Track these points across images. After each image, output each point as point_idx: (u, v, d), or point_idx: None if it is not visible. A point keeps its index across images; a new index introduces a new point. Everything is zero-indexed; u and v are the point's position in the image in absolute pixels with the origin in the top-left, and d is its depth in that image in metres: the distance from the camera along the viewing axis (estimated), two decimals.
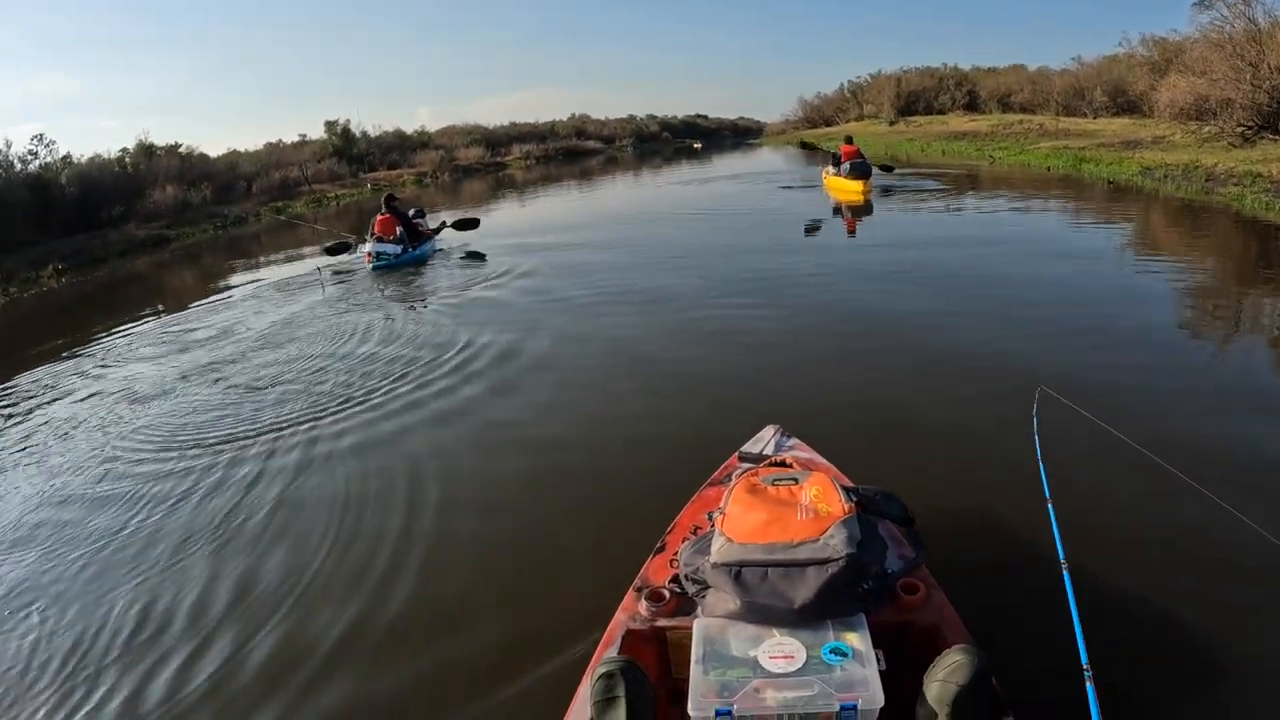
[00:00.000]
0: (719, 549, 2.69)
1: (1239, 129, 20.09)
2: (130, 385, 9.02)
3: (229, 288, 15.75)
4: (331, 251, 16.20)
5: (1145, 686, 3.05)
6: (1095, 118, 34.98)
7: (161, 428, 7.41)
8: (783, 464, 3.33)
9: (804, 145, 23.84)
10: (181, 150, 37.04)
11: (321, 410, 7.31)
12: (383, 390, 7.69)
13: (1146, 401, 5.76)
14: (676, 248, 14.56)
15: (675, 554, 3.04)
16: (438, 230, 16.53)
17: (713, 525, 2.88)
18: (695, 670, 2.34)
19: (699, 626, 2.53)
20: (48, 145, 31.54)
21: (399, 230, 15.03)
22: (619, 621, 2.82)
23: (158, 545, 5.16)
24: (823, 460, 3.90)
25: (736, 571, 2.57)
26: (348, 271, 15.04)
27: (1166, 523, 4.12)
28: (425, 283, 13.43)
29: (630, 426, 6.33)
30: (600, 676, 2.28)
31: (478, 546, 4.76)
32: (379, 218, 15.20)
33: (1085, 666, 2.24)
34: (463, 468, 5.89)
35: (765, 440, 4.20)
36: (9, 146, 31.51)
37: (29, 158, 30.35)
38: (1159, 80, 27.60)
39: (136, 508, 5.77)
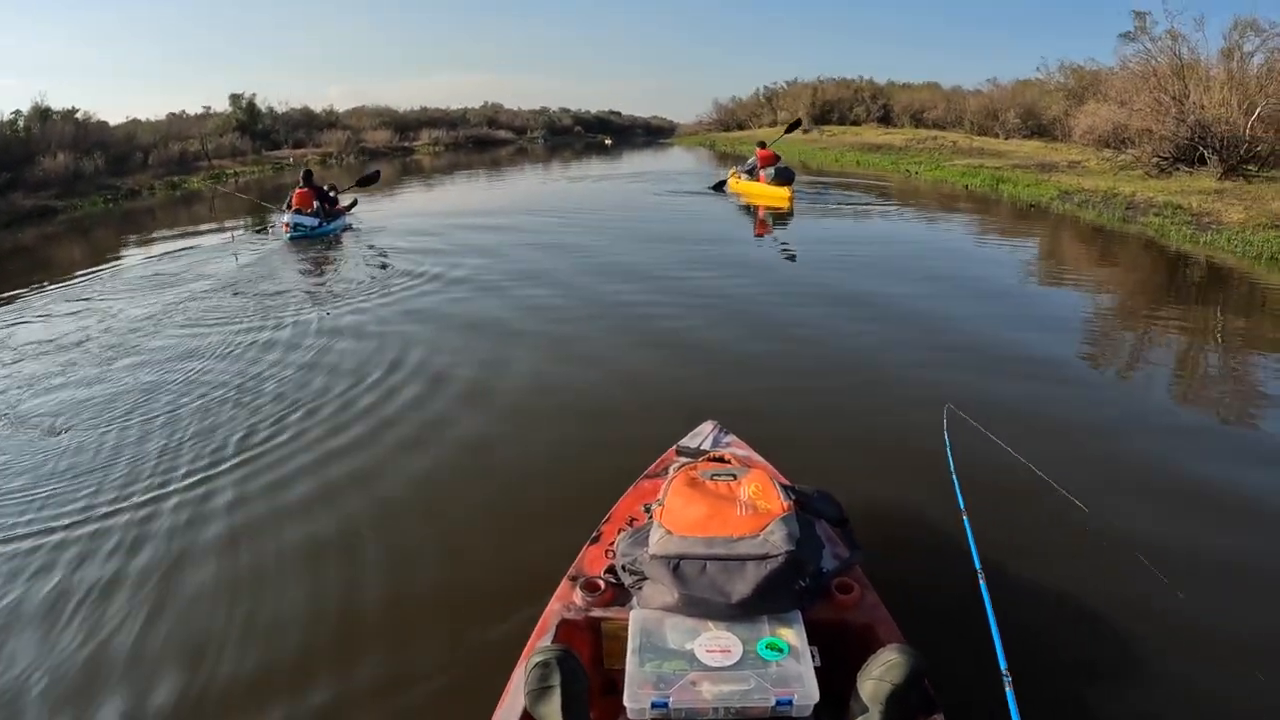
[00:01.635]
0: (658, 541, 2.66)
1: (1155, 159, 20.38)
2: None
3: (117, 263, 14.67)
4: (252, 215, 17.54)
5: (1062, 687, 3.20)
6: (1007, 139, 35.61)
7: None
8: (721, 459, 3.37)
9: (717, 189, 21.69)
10: (78, 115, 34.40)
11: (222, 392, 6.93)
12: (290, 375, 7.35)
13: (1046, 424, 5.97)
14: (596, 245, 14.23)
15: (611, 544, 2.99)
16: (351, 206, 17.17)
17: (651, 517, 2.84)
18: (631, 662, 2.33)
19: (635, 618, 2.52)
20: None
21: (316, 204, 15.74)
22: (553, 611, 2.79)
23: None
24: (759, 457, 3.91)
25: (675, 564, 2.56)
26: (266, 243, 15.53)
27: (1066, 539, 4.36)
28: (338, 256, 13.73)
29: (565, 419, 6.29)
30: (535, 665, 2.25)
31: (410, 538, 4.62)
32: (297, 191, 15.88)
33: (1005, 671, 2.34)
34: (390, 458, 5.64)
35: (703, 435, 4.21)
36: None
37: None
38: (1074, 106, 28.22)
39: None
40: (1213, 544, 4.31)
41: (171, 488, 5.26)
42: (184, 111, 46.57)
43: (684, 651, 2.36)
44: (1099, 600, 3.74)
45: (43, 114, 33.13)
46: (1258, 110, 18.36)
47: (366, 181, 18.12)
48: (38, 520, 4.95)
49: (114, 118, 39.03)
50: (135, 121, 40.96)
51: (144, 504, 5.08)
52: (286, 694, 3.41)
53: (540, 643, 2.56)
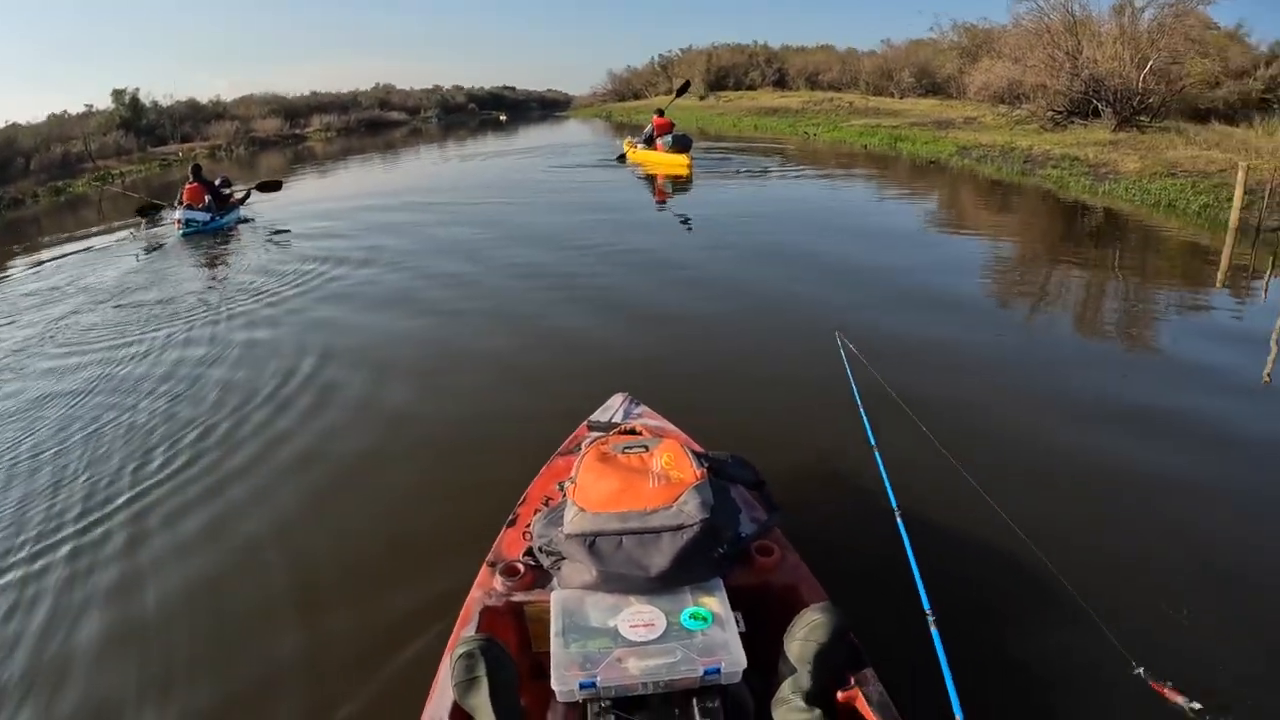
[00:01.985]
0: (572, 519, 2.62)
1: (1050, 114, 20.71)
2: None
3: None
4: (141, 213, 17.13)
5: (984, 624, 3.23)
6: (903, 98, 35.75)
7: None
8: (632, 431, 3.33)
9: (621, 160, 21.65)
10: None
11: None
12: (183, 390, 6.84)
13: (952, 361, 6.27)
14: (495, 221, 13.84)
15: (528, 526, 2.93)
16: (244, 198, 16.86)
17: (564, 496, 2.81)
18: (556, 644, 2.28)
19: (556, 599, 2.47)
20: None
21: (207, 198, 15.40)
22: (475, 599, 2.73)
23: None
24: (672, 426, 3.86)
25: (591, 541, 2.53)
26: (158, 242, 14.86)
27: (975, 469, 4.15)
28: (235, 250, 13.29)
29: (473, 402, 6.13)
30: (459, 657, 2.20)
31: (323, 537, 4.48)
32: (187, 186, 15.49)
33: (928, 611, 2.41)
34: (302, 451, 5.47)
35: (614, 408, 4.16)
36: None
37: None
38: (969, 64, 28.55)
39: None
40: (1121, 462, 4.55)
41: (61, 534, 4.74)
42: (65, 111, 43.47)
43: (607, 629, 2.32)
44: (1011, 532, 3.68)
45: None
46: (1149, 64, 18.65)
47: (267, 188, 17.90)
48: None
49: None
50: (14, 126, 38.34)
51: (32, 557, 4.58)
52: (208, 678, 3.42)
53: (464, 633, 2.53)
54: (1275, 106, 20.21)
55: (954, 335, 6.90)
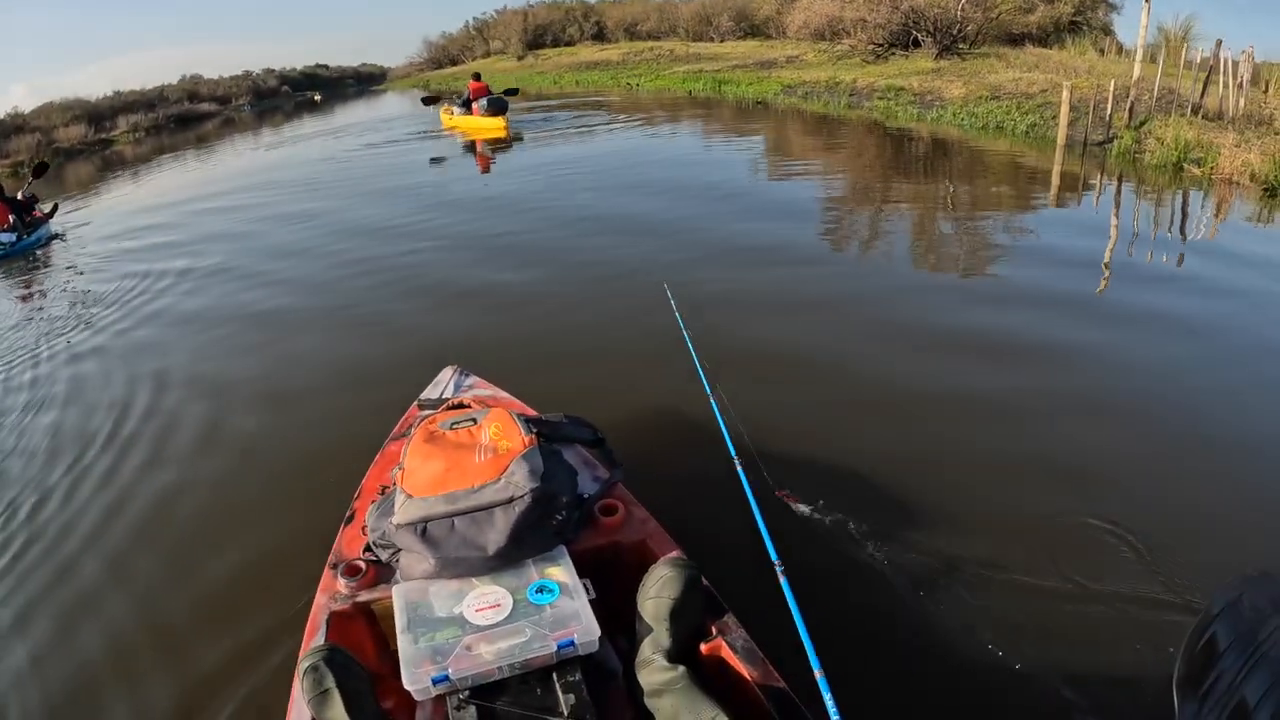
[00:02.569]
0: (401, 507, 2.43)
1: (871, 47, 20.87)
2: None
3: None
4: None
5: (830, 572, 3.12)
6: (723, 41, 35.84)
7: None
8: (461, 405, 3.16)
9: (428, 101, 21.83)
10: None
11: None
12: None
13: (787, 303, 6.15)
14: (311, 213, 12.91)
15: (364, 521, 2.71)
16: (51, 213, 15.48)
17: (394, 483, 2.58)
18: (402, 640, 2.14)
19: (398, 593, 2.33)
20: None
21: (12, 219, 14.26)
22: (320, 604, 2.51)
23: None
24: (505, 394, 3.73)
25: (422, 528, 2.38)
26: None
27: (814, 407, 4.40)
28: (48, 272, 12.26)
29: (306, 404, 5.64)
30: (306, 671, 2.02)
31: (158, 560, 4.14)
32: None
33: (776, 562, 2.31)
34: (114, 467, 5.13)
35: (444, 383, 3.99)
36: None
37: None
38: (786, 4, 28.82)
39: None
40: (959, 386, 4.56)
41: None
42: None
43: (454, 617, 2.22)
44: (855, 460, 3.78)
45: None
46: None
47: (39, 171, 16.73)
48: None
49: None
50: None
51: None
52: None
53: (313, 641, 2.39)
54: (1084, 29, 21.09)
55: (787, 277, 6.83)
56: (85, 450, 5.42)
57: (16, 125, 47.12)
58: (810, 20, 23.18)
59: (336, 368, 6.15)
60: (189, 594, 3.86)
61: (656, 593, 2.14)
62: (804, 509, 3.41)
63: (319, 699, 2.03)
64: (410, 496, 2.48)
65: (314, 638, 2.45)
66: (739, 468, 2.78)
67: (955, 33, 19.10)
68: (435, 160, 16.23)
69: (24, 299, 10.74)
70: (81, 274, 11.31)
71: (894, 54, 20.12)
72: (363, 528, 2.76)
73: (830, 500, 3.47)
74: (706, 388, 3.41)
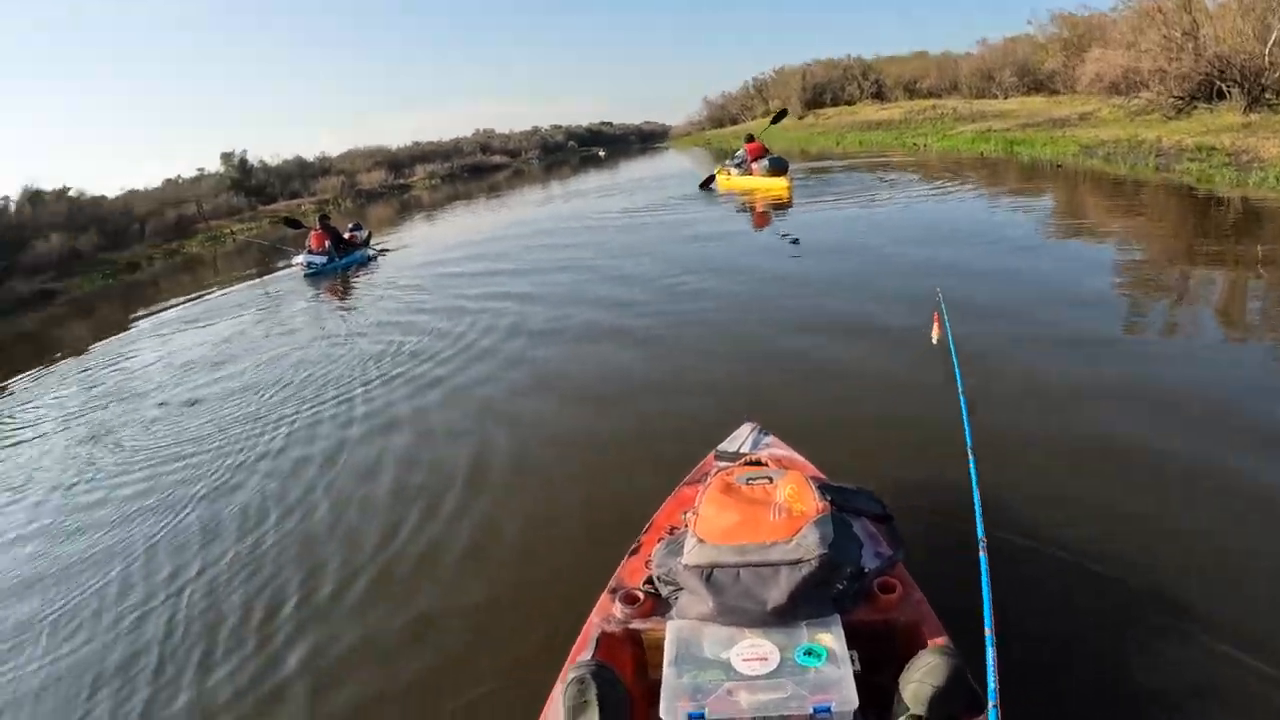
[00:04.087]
0: (691, 550, 2.63)
1: (1171, 100, 19.60)
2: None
3: (138, 330, 15.78)
4: (288, 223, 21.67)
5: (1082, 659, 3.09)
6: (1007, 98, 34.91)
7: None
8: (758, 462, 3.29)
9: (705, 185, 21.86)
10: (71, 194, 34.67)
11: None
12: (332, 396, 8.05)
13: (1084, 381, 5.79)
14: (614, 256, 13.81)
15: (650, 555, 2.91)
16: (366, 241, 18.95)
17: (686, 526, 2.80)
18: (668, 673, 2.30)
19: (672, 628, 2.48)
20: None
21: (327, 244, 17.72)
22: (593, 624, 2.77)
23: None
24: (799, 457, 3.81)
25: (708, 573, 2.52)
26: (282, 288, 17.04)
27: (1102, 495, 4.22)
28: (351, 290, 14.99)
29: (605, 429, 6.27)
30: (571, 681, 2.24)
31: (450, 556, 4.78)
32: (314, 233, 17.91)
33: (988, 632, 2.21)
34: (432, 477, 5.86)
35: (742, 438, 4.10)
36: None
37: None
38: (1073, 56, 27.56)
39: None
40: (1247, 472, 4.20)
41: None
42: (179, 176, 46.34)
43: (720, 661, 2.32)
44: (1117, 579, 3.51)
45: (33, 197, 33.40)
46: (1274, 34, 17.36)
47: (350, 233, 19.02)
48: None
49: (110, 191, 39.38)
50: (132, 192, 40.70)
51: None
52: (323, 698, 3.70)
53: (581, 656, 2.55)
54: None
55: (1093, 359, 6.25)
56: (408, 473, 6.06)
57: (324, 168, 53.21)
58: (1104, 73, 22.06)
59: (632, 406, 6.62)
60: (481, 598, 4.31)
61: (921, 678, 2.15)
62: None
63: (577, 708, 2.21)
64: (702, 541, 2.63)
65: (582, 653, 2.62)
66: (982, 554, 2.55)
67: (1265, 82, 17.52)
68: (714, 218, 16.54)
69: (338, 309, 13.23)
70: (386, 296, 13.25)
71: (1197, 108, 18.76)
72: (647, 561, 2.95)
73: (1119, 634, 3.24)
74: (973, 473, 3.06)
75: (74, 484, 7.30)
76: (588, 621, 2.80)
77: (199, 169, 46.87)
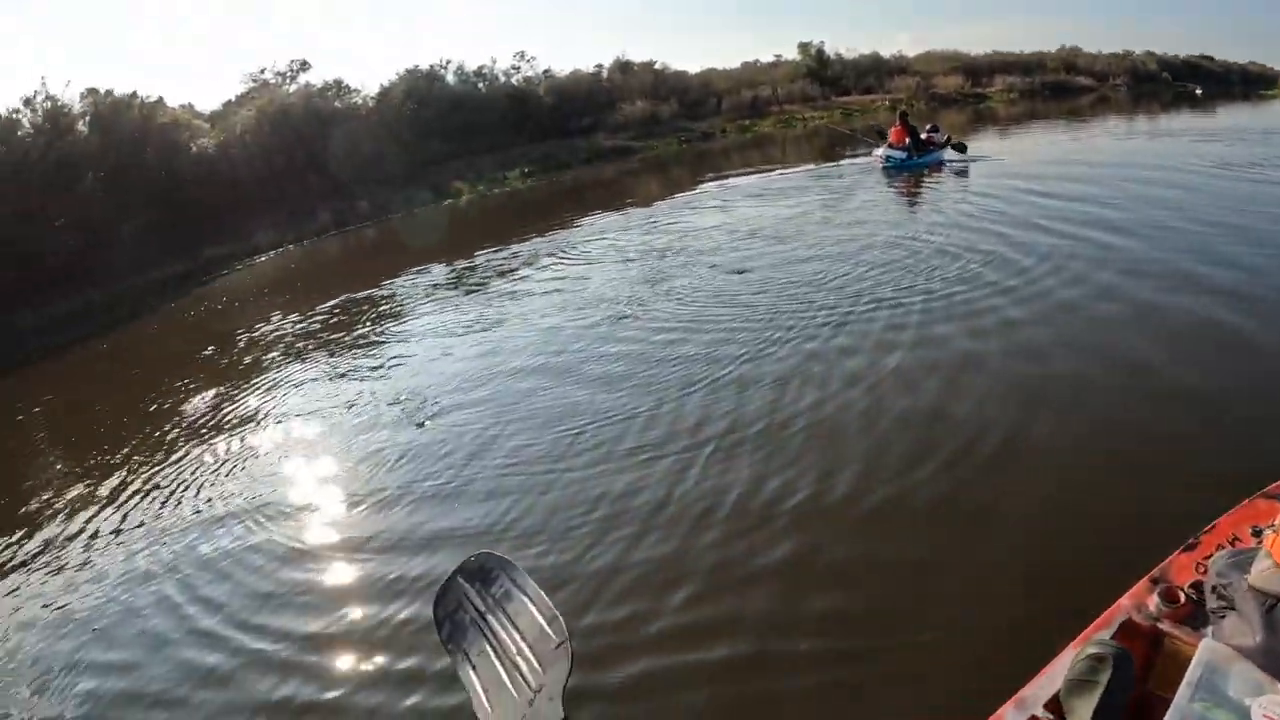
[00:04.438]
0: (1260, 573, 2.34)
1: None
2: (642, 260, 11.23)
3: (702, 192, 18.26)
4: (880, 135, 21.23)
5: None
6: None
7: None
8: None
9: None
10: (656, 66, 38.71)
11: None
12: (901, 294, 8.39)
13: None
14: (1215, 209, 12.08)
15: (1206, 558, 2.77)
16: (944, 144, 19.28)
17: (1260, 543, 2.50)
18: (1182, 694, 2.10)
19: (1204, 647, 2.25)
20: (529, 60, 36.47)
21: (907, 140, 18.62)
22: (1121, 607, 2.65)
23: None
24: None
25: (1271, 605, 2.24)
26: (862, 167, 19.00)
27: None
28: (924, 189, 15.64)
29: (1185, 402, 5.78)
30: (1088, 656, 2.15)
31: (969, 503, 4.75)
32: (894, 128, 19.17)
33: None
34: (976, 410, 5.83)
35: None
36: (494, 62, 36.37)
37: (511, 71, 36.45)
38: None
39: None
40: None
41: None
42: (757, 60, 48.99)
43: (1239, 705, 2.07)
44: None
45: (624, 66, 39.34)
46: None
47: (958, 149, 19.42)
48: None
49: (692, 67, 42.67)
50: (711, 70, 44.06)
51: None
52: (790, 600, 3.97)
53: (1099, 634, 2.46)
54: None
55: None
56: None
57: (900, 67, 52.88)
58: None
59: (1229, 388, 5.96)
60: (989, 552, 4.33)
61: None
62: None
63: (1078, 684, 2.13)
64: (1277, 567, 2.34)
65: (1101, 630, 2.53)
66: None
67: None
68: None
69: (909, 206, 14.34)
70: (950, 193, 14.19)
71: None
72: (1198, 563, 2.79)
73: None
74: None
75: (625, 316, 8.27)
76: (1117, 602, 2.69)
77: (776, 55, 48.89)
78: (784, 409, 6.10)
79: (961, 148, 19.22)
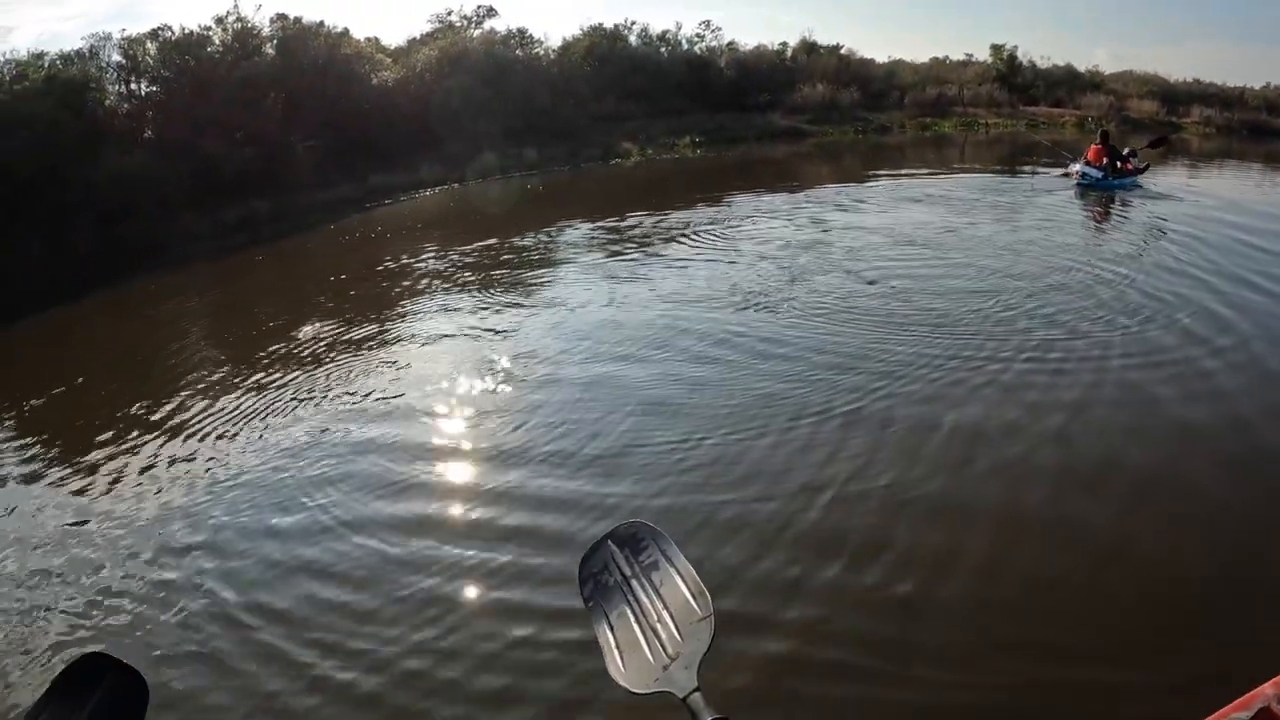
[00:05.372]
0: None
1: None
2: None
3: (872, 188, 17.87)
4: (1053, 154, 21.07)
5: None
6: None
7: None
8: None
9: None
10: (842, 51, 38.14)
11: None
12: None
13: None
14: None
15: None
16: (1142, 170, 18.12)
17: None
18: None
19: None
20: (714, 30, 36.38)
21: (1104, 160, 17.53)
22: (1263, 693, 2.33)
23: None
24: None
25: None
26: (1051, 186, 18.23)
27: None
28: (1118, 212, 15.38)
29: None
30: None
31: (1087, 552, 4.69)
32: (1093, 147, 18.08)
33: None
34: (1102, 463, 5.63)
35: None
36: (679, 28, 36.33)
37: (695, 39, 36.01)
38: None
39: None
40: None
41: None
42: (946, 57, 47.06)
43: None
44: None
45: (809, 47, 38.48)
46: None
47: (1158, 143, 19.50)
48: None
49: (878, 57, 41.71)
50: (898, 62, 42.84)
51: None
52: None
53: (1235, 715, 2.27)
54: None
55: None
56: None
57: (1094, 83, 49.81)
58: None
59: None
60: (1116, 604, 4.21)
61: None
62: None
63: None
64: None
65: (1238, 713, 2.31)
66: None
67: None
68: None
69: (1094, 222, 14.44)
70: (1144, 223, 13.42)
71: None
72: None
73: None
74: None
75: (760, 305, 7.95)
76: (1259, 689, 2.41)
77: (967, 54, 47.13)
78: (894, 446, 5.95)
79: (1160, 141, 19.36)
